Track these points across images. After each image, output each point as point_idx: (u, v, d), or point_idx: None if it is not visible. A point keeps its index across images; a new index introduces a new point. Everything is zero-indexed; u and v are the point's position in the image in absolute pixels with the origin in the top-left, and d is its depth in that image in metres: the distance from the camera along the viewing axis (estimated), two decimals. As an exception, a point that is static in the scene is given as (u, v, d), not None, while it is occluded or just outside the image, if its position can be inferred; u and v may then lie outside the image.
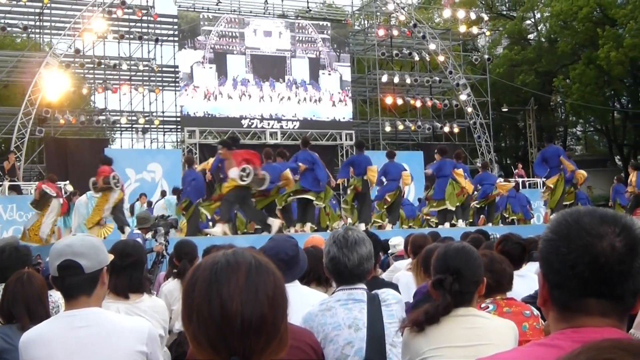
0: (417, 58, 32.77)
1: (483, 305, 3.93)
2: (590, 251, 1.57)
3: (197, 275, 1.70)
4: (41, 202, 15.67)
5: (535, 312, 3.94)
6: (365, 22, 36.01)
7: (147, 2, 27.86)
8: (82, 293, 3.00)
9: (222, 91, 28.55)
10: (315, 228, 14.41)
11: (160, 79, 31.18)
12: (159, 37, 29.33)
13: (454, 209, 16.01)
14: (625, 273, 1.58)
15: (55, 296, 4.44)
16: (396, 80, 31.50)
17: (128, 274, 4.38)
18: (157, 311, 4.40)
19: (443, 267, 3.29)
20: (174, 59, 30.45)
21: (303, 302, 3.65)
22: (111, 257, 3.21)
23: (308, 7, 31.82)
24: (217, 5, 29.15)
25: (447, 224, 15.80)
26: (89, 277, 3.00)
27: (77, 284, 2.98)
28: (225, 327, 1.60)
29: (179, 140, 34.32)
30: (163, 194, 20.71)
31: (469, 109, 32.67)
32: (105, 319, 3.01)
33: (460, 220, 16.23)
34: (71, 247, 3.00)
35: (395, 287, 5.12)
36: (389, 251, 9.17)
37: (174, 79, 31.18)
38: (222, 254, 1.74)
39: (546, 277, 1.67)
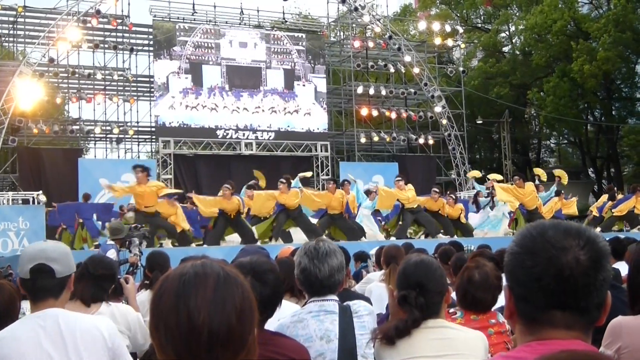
0: (392, 70, 32.87)
1: (451, 311, 3.95)
2: (555, 264, 1.58)
3: (165, 286, 1.67)
4: None
5: (502, 319, 3.96)
6: (341, 33, 36.16)
7: (122, 11, 27.73)
8: (51, 296, 3.14)
9: (197, 101, 28.49)
10: None
11: (135, 88, 31.03)
12: (134, 47, 29.24)
13: None
14: (589, 285, 1.59)
15: (24, 307, 4.40)
16: (371, 91, 31.55)
17: (98, 284, 4.41)
18: (116, 320, 4.38)
19: (405, 283, 3.31)
20: (149, 68, 30.34)
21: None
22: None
23: (284, 18, 31.89)
24: (192, 15, 29.14)
25: None
26: (59, 282, 3.16)
27: (47, 286, 3.13)
28: (192, 339, 1.59)
29: (153, 150, 34.17)
30: None
31: (444, 121, 32.78)
32: (70, 318, 3.14)
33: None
34: (45, 252, 3.15)
35: (366, 299, 5.12)
36: (369, 261, 9.18)
37: (148, 89, 31.00)
38: (190, 265, 1.71)
39: (512, 290, 1.68)
